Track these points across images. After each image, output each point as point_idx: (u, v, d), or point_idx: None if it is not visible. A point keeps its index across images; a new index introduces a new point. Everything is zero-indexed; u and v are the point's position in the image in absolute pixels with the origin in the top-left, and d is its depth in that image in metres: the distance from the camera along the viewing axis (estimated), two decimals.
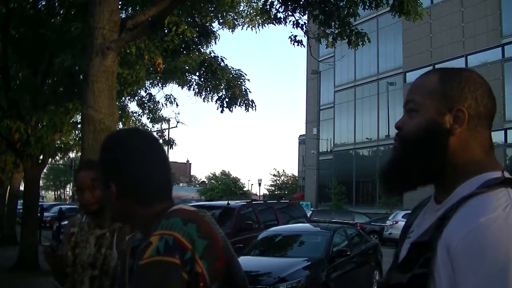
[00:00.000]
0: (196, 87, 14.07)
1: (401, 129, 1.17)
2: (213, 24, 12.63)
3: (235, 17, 13.53)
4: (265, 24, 13.06)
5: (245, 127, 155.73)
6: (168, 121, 22.19)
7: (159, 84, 16.34)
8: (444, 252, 1.01)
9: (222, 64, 12.65)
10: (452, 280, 0.99)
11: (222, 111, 12.69)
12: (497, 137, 27.31)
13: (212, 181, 66.08)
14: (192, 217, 1.32)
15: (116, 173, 1.39)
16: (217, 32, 12.63)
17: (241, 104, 12.70)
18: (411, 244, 1.10)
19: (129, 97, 15.59)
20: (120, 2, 7.65)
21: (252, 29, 13.62)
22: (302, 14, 9.85)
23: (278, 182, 63.27)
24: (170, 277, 1.21)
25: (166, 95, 17.47)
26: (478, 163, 1.11)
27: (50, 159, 16.18)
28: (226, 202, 12.12)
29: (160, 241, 1.24)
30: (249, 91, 12.89)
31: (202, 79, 13.42)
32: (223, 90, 12.88)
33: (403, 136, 1.16)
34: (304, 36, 10.38)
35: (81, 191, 2.46)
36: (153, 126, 18.94)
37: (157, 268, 1.22)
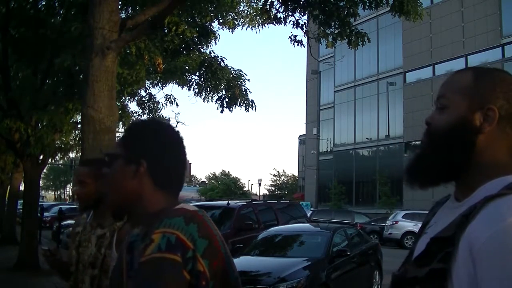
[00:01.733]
0: (196, 87, 14.07)
1: (430, 124, 1.17)
2: (213, 24, 12.63)
3: (235, 17, 13.52)
4: (265, 24, 13.05)
5: (245, 127, 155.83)
6: (168, 121, 22.16)
7: (159, 84, 16.35)
8: (467, 250, 1.00)
9: (222, 64, 12.66)
10: (473, 279, 0.98)
11: (222, 111, 12.71)
12: None
13: (212, 181, 66.17)
14: (193, 217, 1.34)
15: (151, 149, 1.42)
16: (217, 32, 12.64)
17: (241, 104, 12.70)
18: (431, 239, 1.09)
19: (129, 97, 15.59)
20: (120, 2, 7.64)
21: (252, 29, 13.64)
22: (302, 14, 9.85)
23: (278, 182, 63.33)
24: (170, 273, 1.22)
25: (166, 95, 17.49)
26: (504, 164, 1.10)
27: (50, 159, 16.18)
28: (226, 202, 12.11)
29: (162, 239, 1.25)
30: (249, 91, 12.91)
31: (202, 79, 13.41)
32: (223, 90, 12.87)
33: (432, 131, 1.16)
34: (304, 36, 10.38)
35: (75, 185, 2.58)
36: None
37: (158, 265, 1.23)
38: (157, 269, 1.23)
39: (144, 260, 1.25)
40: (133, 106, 50.34)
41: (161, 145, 1.43)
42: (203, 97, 13.98)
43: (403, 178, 1.21)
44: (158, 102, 17.62)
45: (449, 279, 1.02)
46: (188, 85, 14.39)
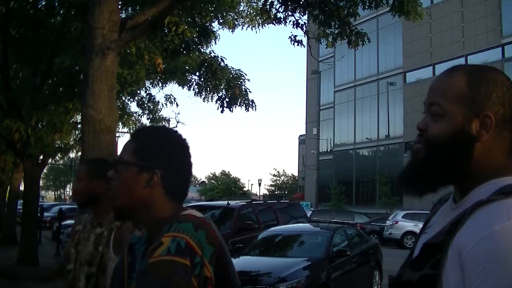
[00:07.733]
0: (196, 87, 14.06)
1: (424, 131, 1.15)
2: (213, 24, 12.63)
3: (235, 17, 13.53)
4: (265, 24, 13.06)
5: (245, 127, 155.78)
6: (168, 121, 22.15)
7: (159, 84, 16.35)
8: (455, 256, 1.01)
9: (222, 64, 12.67)
10: (461, 286, 0.99)
11: (222, 111, 12.71)
12: None
13: (212, 181, 66.22)
14: (201, 224, 1.36)
15: (165, 159, 1.43)
16: (217, 32, 12.64)
17: (241, 104, 12.70)
18: (424, 245, 1.10)
19: (129, 97, 15.59)
20: (120, 2, 7.65)
21: (252, 29, 13.65)
22: (302, 14, 9.85)
23: (278, 182, 63.38)
24: (181, 277, 1.24)
25: (166, 95, 17.46)
26: (498, 167, 1.10)
27: (50, 159, 16.19)
28: (226, 202, 12.11)
29: (172, 242, 1.27)
30: (249, 91, 12.91)
31: (202, 79, 13.41)
32: (223, 90, 12.88)
33: (429, 140, 1.14)
34: (304, 36, 10.38)
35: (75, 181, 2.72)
36: None
37: (167, 267, 1.25)
38: (168, 271, 1.24)
39: (154, 261, 1.26)
40: (133, 106, 50.27)
41: (174, 154, 1.45)
42: (203, 97, 13.98)
43: (397, 186, 1.21)
44: (158, 102, 17.63)
45: (439, 284, 1.03)
46: (188, 85, 14.38)
